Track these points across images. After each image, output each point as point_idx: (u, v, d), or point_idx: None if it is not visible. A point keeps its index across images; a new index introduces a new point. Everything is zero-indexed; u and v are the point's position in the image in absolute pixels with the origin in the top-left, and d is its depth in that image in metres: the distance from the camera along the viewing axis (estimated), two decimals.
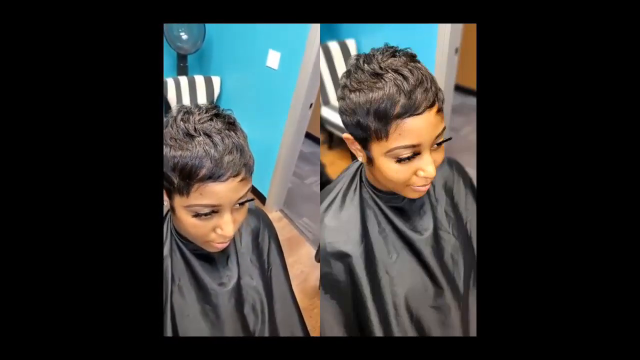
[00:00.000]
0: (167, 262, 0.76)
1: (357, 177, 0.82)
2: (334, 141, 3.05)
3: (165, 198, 0.69)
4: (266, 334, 0.82)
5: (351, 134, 0.72)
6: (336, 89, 1.16)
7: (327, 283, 0.78)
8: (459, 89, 2.92)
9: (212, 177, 0.61)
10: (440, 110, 0.67)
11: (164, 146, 0.64)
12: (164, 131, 0.65)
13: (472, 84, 3.22)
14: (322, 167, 2.04)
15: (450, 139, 0.73)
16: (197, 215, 0.65)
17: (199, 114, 0.64)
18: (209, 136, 0.62)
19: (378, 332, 0.76)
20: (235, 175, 0.63)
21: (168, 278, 0.76)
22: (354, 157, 0.78)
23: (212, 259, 0.80)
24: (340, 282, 0.78)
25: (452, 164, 0.89)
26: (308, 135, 2.56)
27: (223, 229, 0.66)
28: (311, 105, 2.26)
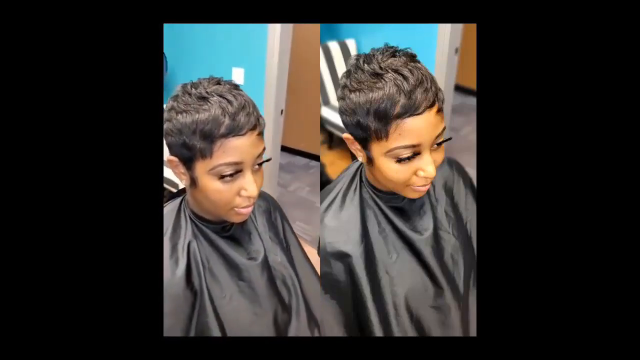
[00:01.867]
0: (194, 246, 0.75)
1: (357, 177, 0.82)
2: (334, 141, 3.05)
3: (183, 177, 0.71)
4: (302, 309, 0.83)
5: (351, 134, 0.72)
6: (336, 89, 1.16)
7: (327, 283, 0.78)
8: (459, 89, 2.92)
9: (233, 131, 0.65)
10: (440, 110, 0.67)
11: (179, 114, 0.66)
12: (173, 104, 0.68)
13: (472, 84, 3.21)
14: (322, 167, 2.04)
15: (450, 139, 0.73)
16: (221, 177, 0.67)
17: (206, 82, 0.69)
18: (221, 96, 0.66)
19: (378, 332, 0.76)
20: (253, 129, 0.67)
21: (198, 262, 0.75)
22: (354, 157, 0.78)
23: (236, 238, 0.81)
24: (340, 282, 0.77)
25: (452, 164, 0.89)
26: (282, 148, 2.66)
27: (247, 189, 0.68)
28: (282, 111, 2.32)
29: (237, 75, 2.38)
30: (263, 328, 0.77)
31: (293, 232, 0.93)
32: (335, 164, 2.84)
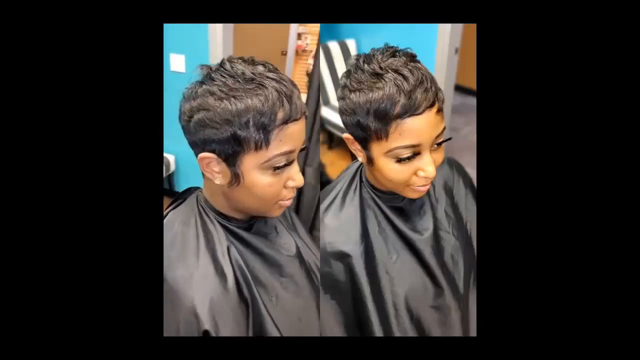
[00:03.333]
0: (234, 251, 0.69)
1: (357, 177, 0.82)
2: (334, 141, 3.05)
3: (218, 175, 0.65)
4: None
5: (351, 134, 0.72)
6: (336, 89, 1.16)
7: (327, 283, 0.78)
8: (459, 89, 2.92)
9: (290, 118, 0.62)
10: (440, 110, 0.67)
11: (222, 101, 0.60)
12: (213, 88, 0.62)
13: (472, 84, 3.22)
14: (322, 167, 2.04)
15: (450, 139, 0.73)
16: (274, 169, 0.63)
17: (241, 61, 0.64)
18: (276, 80, 0.62)
19: (378, 332, 0.76)
20: (304, 113, 0.65)
21: (243, 268, 0.69)
22: (354, 157, 0.78)
23: (264, 233, 0.76)
24: (340, 282, 0.78)
25: (452, 164, 0.89)
26: None
27: (295, 179, 0.65)
28: None
29: (177, 62, 2.21)
30: (311, 320, 0.76)
31: (297, 215, 0.90)
32: (335, 164, 2.84)
